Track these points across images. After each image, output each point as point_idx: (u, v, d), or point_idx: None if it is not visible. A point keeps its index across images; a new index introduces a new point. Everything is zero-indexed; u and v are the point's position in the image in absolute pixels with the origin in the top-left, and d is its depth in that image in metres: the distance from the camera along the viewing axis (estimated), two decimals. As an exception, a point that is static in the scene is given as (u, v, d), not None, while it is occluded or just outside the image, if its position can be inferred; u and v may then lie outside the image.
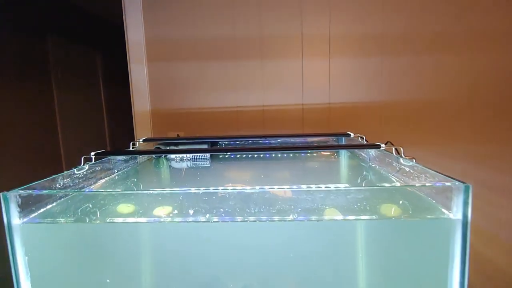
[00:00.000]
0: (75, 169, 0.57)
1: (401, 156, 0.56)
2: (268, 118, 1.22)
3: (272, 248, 0.45)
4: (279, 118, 1.22)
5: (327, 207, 0.44)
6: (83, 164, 0.59)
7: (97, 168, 0.65)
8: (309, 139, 0.89)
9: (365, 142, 0.75)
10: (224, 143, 1.04)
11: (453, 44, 1.09)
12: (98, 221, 0.46)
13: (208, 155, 0.90)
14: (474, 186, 0.38)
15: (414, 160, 0.54)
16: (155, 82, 1.24)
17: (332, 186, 0.46)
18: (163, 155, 0.93)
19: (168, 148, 0.97)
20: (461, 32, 1.08)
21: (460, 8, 1.07)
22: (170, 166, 0.92)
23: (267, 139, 0.86)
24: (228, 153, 0.88)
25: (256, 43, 1.19)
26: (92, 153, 0.57)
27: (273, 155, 0.87)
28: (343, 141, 0.92)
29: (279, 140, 0.97)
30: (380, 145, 0.54)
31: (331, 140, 1.02)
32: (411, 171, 0.53)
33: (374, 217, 0.43)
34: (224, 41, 1.20)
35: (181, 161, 0.89)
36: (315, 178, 0.71)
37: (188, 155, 0.90)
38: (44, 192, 0.46)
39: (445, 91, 1.11)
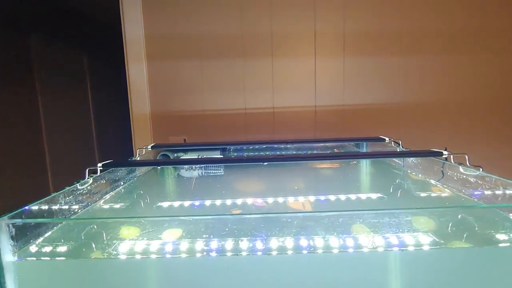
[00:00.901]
0: (78, 184, 0.47)
1: (463, 165, 0.48)
2: (279, 121, 1.14)
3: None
4: (290, 121, 1.14)
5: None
6: (87, 177, 0.49)
7: (102, 181, 0.55)
8: (333, 144, 0.81)
9: (402, 148, 0.67)
10: (235, 149, 0.95)
11: (473, 43, 1.04)
12: (101, 256, 0.36)
13: (222, 173, 0.81)
14: None
15: (481, 169, 0.46)
16: (155, 82, 1.14)
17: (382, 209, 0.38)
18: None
19: (176, 155, 0.88)
20: (482, 30, 1.03)
21: (482, 4, 1.01)
22: (178, 175, 0.83)
23: (288, 144, 0.78)
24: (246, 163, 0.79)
25: (266, 41, 1.11)
26: (99, 164, 0.48)
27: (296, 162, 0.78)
28: (363, 148, 0.84)
29: (298, 145, 0.89)
30: (442, 152, 0.47)
31: (352, 146, 0.95)
32: (480, 181, 0.46)
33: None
34: (231, 39, 1.11)
35: (191, 170, 0.79)
36: (356, 188, 0.63)
37: (201, 175, 0.80)
38: (41, 220, 0.36)
39: (467, 92, 1.06)
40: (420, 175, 0.60)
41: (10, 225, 0.33)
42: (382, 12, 1.07)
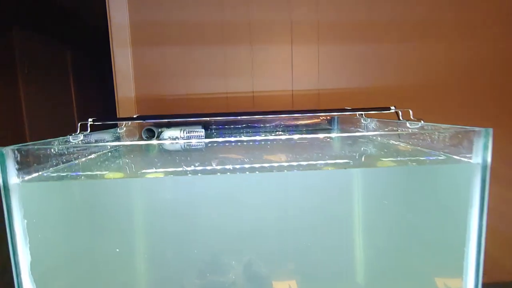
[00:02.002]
0: (71, 137, 0.53)
1: (407, 120, 0.56)
2: (258, 104, 1.21)
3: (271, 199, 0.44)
4: (269, 104, 1.21)
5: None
6: (78, 133, 0.55)
7: (91, 140, 0.61)
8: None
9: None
10: (217, 127, 1.02)
11: (442, 31, 1.14)
12: (101, 178, 0.42)
13: (203, 135, 0.87)
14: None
15: (422, 121, 0.55)
16: (140, 67, 1.19)
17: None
18: (155, 136, 0.89)
19: (160, 130, 0.93)
20: (451, 19, 1.13)
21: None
22: (162, 149, 0.88)
23: (268, 114, 0.84)
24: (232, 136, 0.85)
25: (244, 29, 1.18)
26: (90, 119, 0.53)
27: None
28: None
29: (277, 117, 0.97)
30: (389, 107, 0.55)
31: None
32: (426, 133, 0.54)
33: (393, 164, 0.43)
34: (212, 26, 1.17)
35: (175, 139, 0.85)
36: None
37: (182, 137, 0.86)
38: (47, 147, 0.42)
39: (433, 79, 1.16)
40: (379, 138, 0.69)
41: (16, 151, 0.39)
42: (353, 2, 1.17)
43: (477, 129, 0.41)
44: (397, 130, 0.60)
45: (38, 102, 1.91)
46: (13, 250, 0.40)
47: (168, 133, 0.89)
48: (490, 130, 0.40)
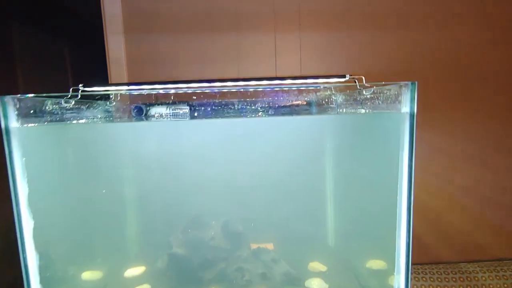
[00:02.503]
0: (63, 100, 0.60)
1: (362, 86, 0.64)
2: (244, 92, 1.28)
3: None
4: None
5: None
6: (69, 97, 0.62)
7: (82, 107, 0.68)
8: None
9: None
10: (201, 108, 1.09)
11: (418, 20, 1.22)
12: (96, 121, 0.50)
13: (187, 112, 0.95)
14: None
15: (374, 87, 0.62)
16: (132, 55, 1.26)
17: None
18: (143, 113, 0.96)
19: (148, 109, 1.00)
20: (426, 9, 1.21)
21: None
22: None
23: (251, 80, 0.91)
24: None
25: (231, 18, 1.26)
26: (80, 85, 0.60)
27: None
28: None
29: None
30: (345, 75, 0.62)
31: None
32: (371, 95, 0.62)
33: (336, 113, 0.51)
34: (200, 15, 1.25)
35: (161, 118, 0.92)
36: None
37: (168, 112, 0.93)
38: (43, 95, 0.49)
39: (410, 65, 1.23)
40: (344, 109, 0.76)
41: (16, 99, 0.46)
42: (331, -7, 1.24)
43: (403, 83, 0.48)
44: (356, 97, 0.67)
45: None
46: (13, 184, 0.47)
47: (155, 110, 0.96)
48: (415, 83, 0.48)
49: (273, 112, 1.02)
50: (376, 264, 0.75)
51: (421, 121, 1.17)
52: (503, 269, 1.12)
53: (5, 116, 0.46)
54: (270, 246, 0.81)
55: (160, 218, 0.68)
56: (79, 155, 0.50)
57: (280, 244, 0.82)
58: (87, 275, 0.78)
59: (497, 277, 1.10)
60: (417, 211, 1.19)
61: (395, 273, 0.53)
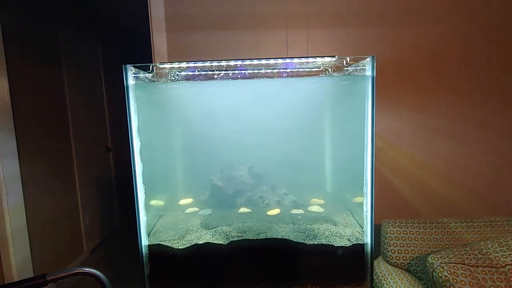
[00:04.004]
0: (146, 72, 0.91)
1: (348, 64, 0.93)
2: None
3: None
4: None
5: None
6: (151, 70, 0.93)
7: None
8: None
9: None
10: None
11: (414, 17, 1.49)
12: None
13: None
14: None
15: (356, 63, 0.91)
16: (172, 49, 1.58)
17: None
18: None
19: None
20: (422, 6, 1.48)
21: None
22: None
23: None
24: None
25: (250, 19, 1.56)
26: (158, 63, 0.91)
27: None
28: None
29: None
30: (335, 55, 0.91)
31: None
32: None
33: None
34: (225, 16, 1.56)
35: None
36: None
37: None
38: (150, 65, 0.80)
39: (406, 56, 1.51)
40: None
41: (132, 67, 0.77)
42: (333, -2, 1.53)
43: (368, 56, 0.77)
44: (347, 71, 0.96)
45: (76, 89, 2.32)
46: (129, 117, 0.78)
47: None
48: (374, 57, 0.77)
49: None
50: (358, 199, 1.04)
51: (411, 104, 1.44)
52: (472, 221, 1.38)
53: (126, 77, 0.77)
54: (283, 185, 1.11)
55: (205, 162, 0.98)
56: (152, 105, 0.81)
57: (290, 183, 1.12)
58: (153, 202, 1.10)
59: (467, 226, 1.37)
60: (407, 180, 1.47)
61: (364, 199, 0.82)
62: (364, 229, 0.88)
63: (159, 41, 1.57)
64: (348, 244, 0.86)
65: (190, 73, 1.14)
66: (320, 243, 0.84)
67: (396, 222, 1.34)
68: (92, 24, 2.62)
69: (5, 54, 1.64)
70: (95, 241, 2.48)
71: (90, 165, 2.44)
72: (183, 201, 1.10)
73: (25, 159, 1.73)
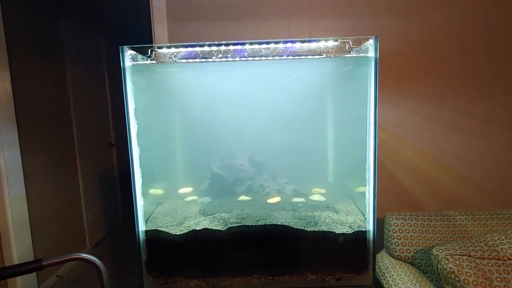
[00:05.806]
0: (145, 56, 0.90)
1: (350, 48, 0.91)
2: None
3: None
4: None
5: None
6: (150, 54, 0.91)
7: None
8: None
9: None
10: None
11: (400, 10, 1.46)
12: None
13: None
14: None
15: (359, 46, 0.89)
16: (173, 39, 1.57)
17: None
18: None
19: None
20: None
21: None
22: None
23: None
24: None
25: (251, 9, 1.54)
26: (156, 47, 0.90)
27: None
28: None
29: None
30: (337, 38, 0.89)
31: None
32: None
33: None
34: (226, 6, 1.54)
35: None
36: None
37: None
38: (146, 46, 0.79)
39: (407, 47, 1.48)
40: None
41: (129, 48, 0.76)
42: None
43: (371, 36, 0.75)
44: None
45: (78, 82, 2.32)
46: (125, 100, 0.77)
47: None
48: (377, 37, 0.74)
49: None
50: (361, 188, 1.01)
51: (414, 93, 1.42)
52: (478, 214, 1.35)
53: (123, 58, 0.76)
54: (283, 173, 1.09)
55: (204, 150, 0.97)
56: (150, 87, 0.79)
57: (291, 171, 1.10)
58: (152, 191, 1.08)
59: (473, 219, 1.34)
60: (411, 173, 1.44)
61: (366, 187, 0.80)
62: (366, 215, 0.85)
63: (160, 31, 1.56)
64: (350, 231, 0.84)
65: (191, 60, 1.13)
66: (320, 229, 0.82)
67: (400, 215, 1.31)
68: (95, 17, 2.63)
69: (7, 45, 1.64)
70: (98, 236, 2.48)
71: (93, 159, 2.44)
72: (182, 190, 1.08)
73: (27, 151, 1.73)
